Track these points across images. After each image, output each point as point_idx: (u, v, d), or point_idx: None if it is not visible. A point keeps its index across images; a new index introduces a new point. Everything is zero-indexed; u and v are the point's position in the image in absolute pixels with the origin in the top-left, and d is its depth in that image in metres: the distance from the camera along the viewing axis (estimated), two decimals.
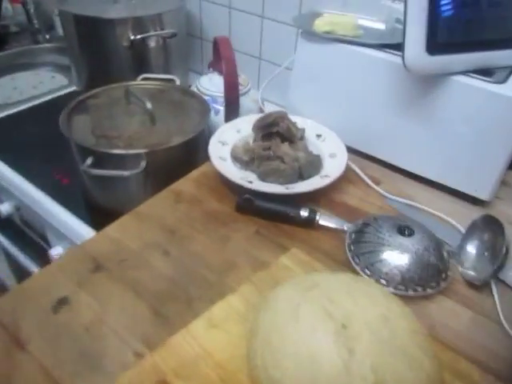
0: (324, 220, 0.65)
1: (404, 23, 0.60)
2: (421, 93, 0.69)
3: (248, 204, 0.67)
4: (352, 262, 0.59)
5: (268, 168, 0.69)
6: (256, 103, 0.98)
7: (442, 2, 0.59)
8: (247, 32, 1.12)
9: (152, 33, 1.01)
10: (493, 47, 0.65)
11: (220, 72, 0.97)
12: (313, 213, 0.65)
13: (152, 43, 1.04)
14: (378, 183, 0.76)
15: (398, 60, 0.69)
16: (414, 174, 0.77)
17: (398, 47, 0.70)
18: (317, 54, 0.78)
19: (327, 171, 0.72)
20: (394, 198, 0.73)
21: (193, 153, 0.81)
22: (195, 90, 0.97)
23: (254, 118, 0.83)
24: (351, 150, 0.78)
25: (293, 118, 0.81)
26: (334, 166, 0.73)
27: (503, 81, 0.65)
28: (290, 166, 0.69)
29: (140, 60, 1.05)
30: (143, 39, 1.00)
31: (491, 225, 0.60)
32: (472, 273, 0.60)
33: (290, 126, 0.75)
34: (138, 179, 0.72)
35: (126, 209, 0.67)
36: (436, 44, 0.61)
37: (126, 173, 0.70)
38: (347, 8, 0.81)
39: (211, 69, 1.03)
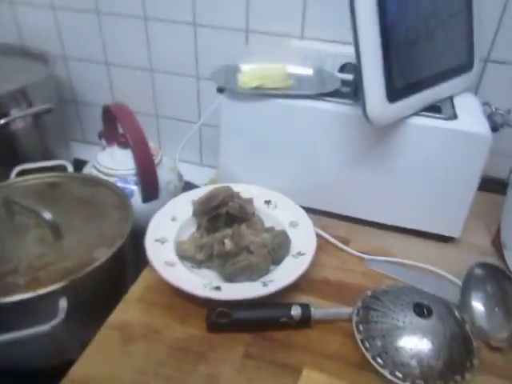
0: (319, 313, 0.54)
1: (358, 72, 0.53)
2: (375, 140, 0.62)
3: (223, 320, 0.52)
4: (362, 347, 0.49)
5: (237, 267, 0.55)
6: (174, 172, 0.83)
7: (393, 44, 0.52)
8: (134, 87, 0.96)
9: (18, 114, 0.78)
10: (438, 80, 0.61)
11: (120, 144, 0.80)
12: (306, 309, 0.53)
13: (19, 124, 0.81)
14: (347, 243, 0.67)
15: (344, 109, 0.62)
16: (379, 224, 0.70)
17: (336, 95, 0.64)
18: (247, 112, 0.67)
19: (297, 247, 0.61)
20: (371, 257, 0.65)
21: (125, 262, 0.62)
22: (93, 170, 0.78)
23: (187, 197, 0.68)
24: (305, 210, 0.68)
25: (228, 185, 0.68)
26: (301, 237, 0.62)
27: (454, 116, 0.61)
28: (260, 255, 0.56)
29: (7, 150, 0.81)
30: (7, 123, 0.78)
31: (492, 273, 0.56)
32: (489, 333, 0.54)
33: (241, 203, 0.62)
34: (60, 326, 0.52)
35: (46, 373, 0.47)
36: (394, 90, 0.55)
37: (42, 328, 0.49)
38: (260, 57, 0.72)
39: (104, 140, 0.85)
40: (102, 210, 0.65)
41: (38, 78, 0.83)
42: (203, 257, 0.58)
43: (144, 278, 0.60)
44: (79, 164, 0.86)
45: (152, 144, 0.82)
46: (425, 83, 0.59)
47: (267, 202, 0.69)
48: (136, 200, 0.76)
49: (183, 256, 0.59)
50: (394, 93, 0.55)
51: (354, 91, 0.61)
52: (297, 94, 0.64)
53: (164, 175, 0.80)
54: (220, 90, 0.69)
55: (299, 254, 0.60)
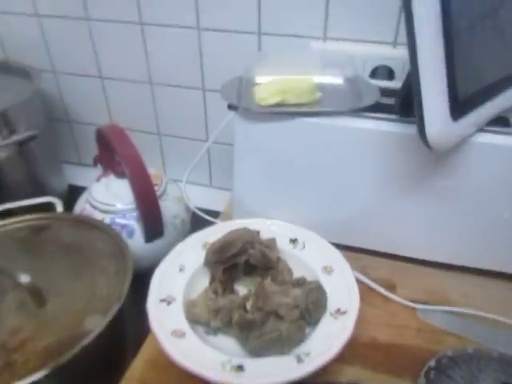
0: None
1: (414, 83, 0.40)
2: (428, 164, 0.50)
3: None
4: None
5: (264, 341, 0.43)
6: (180, 202, 0.71)
7: (458, 45, 0.40)
8: (133, 102, 0.85)
9: None
10: (506, 86, 0.48)
11: (117, 173, 0.68)
12: None
13: (1, 154, 0.70)
14: (393, 288, 0.55)
15: (388, 127, 0.50)
16: (430, 261, 0.58)
17: (376, 109, 0.51)
18: (266, 134, 0.55)
19: (336, 302, 0.49)
20: (425, 307, 0.52)
21: (124, 327, 0.51)
22: (87, 206, 0.67)
23: (196, 240, 0.56)
24: (338, 248, 0.56)
25: (245, 222, 0.57)
26: (338, 288, 0.50)
27: None
28: (293, 322, 0.44)
29: None
30: None
31: None
32: None
33: (263, 250, 0.50)
34: None
35: None
36: (459, 104, 0.42)
37: None
38: (277, 65, 0.60)
39: (99, 165, 0.73)
40: (96, 261, 0.54)
41: (21, 97, 0.71)
42: (219, 324, 0.46)
43: (147, 348, 0.48)
44: (74, 192, 0.75)
45: (154, 171, 0.71)
46: (491, 91, 0.47)
47: (293, 242, 0.57)
48: (138, 239, 0.65)
49: (194, 321, 0.48)
50: (459, 107, 0.42)
51: (399, 103, 0.49)
52: (327, 111, 0.52)
53: (169, 207, 0.69)
54: (232, 108, 0.57)
55: (339, 312, 0.48)
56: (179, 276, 0.52)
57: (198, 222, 0.67)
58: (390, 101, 0.53)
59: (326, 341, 0.45)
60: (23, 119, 0.73)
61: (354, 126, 0.51)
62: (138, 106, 0.84)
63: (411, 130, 0.48)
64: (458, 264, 0.56)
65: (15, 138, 0.67)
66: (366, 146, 0.52)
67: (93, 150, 0.71)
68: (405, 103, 0.48)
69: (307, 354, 0.44)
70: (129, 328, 0.53)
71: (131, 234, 0.65)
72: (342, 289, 0.50)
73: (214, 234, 0.56)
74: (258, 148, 0.57)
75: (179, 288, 0.51)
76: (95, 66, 0.82)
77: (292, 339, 0.43)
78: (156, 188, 0.68)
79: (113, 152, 0.69)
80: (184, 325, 0.47)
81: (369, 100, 0.52)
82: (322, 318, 0.47)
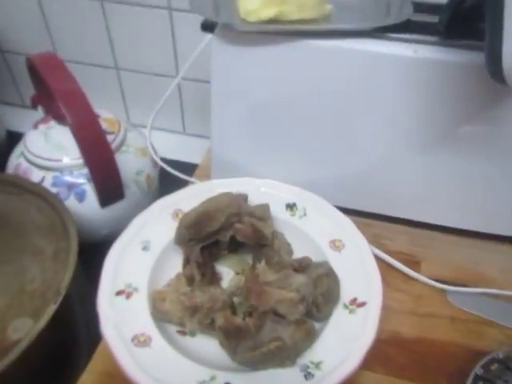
0: None
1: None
2: (481, 106, 0.37)
3: None
4: None
5: (261, 354, 0.31)
6: (145, 156, 0.57)
7: None
8: (81, 26, 0.67)
9: None
10: None
11: (58, 117, 0.53)
12: None
13: None
14: (416, 265, 0.44)
15: (432, 54, 0.36)
16: (462, 230, 0.46)
17: (408, 28, 0.37)
18: (254, 62, 0.40)
19: (350, 289, 0.37)
20: (457, 289, 0.42)
21: (70, 328, 0.39)
22: (22, 161, 0.52)
23: (164, 207, 0.43)
24: (344, 212, 0.44)
25: (227, 181, 0.44)
26: (352, 269, 0.38)
27: None
28: (297, 322, 0.32)
29: None
30: None
31: None
32: None
33: (255, 224, 0.37)
34: None
35: None
36: None
37: None
38: None
39: (40, 107, 0.57)
40: (27, 239, 0.40)
41: None
42: (197, 326, 0.34)
43: (101, 357, 0.36)
44: (14, 141, 0.59)
45: (109, 115, 0.55)
46: None
47: (291, 208, 0.44)
48: (91, 204, 0.51)
49: (164, 320, 0.35)
50: None
51: (447, 20, 0.35)
52: (341, 28, 0.37)
53: (130, 162, 0.54)
54: (207, 28, 0.42)
55: (355, 303, 0.36)
56: (142, 257, 0.39)
57: (168, 179, 0.54)
58: (427, 18, 0.38)
59: (341, 345, 0.33)
60: None
61: (378, 50, 0.36)
62: (88, 30, 0.66)
63: (463, 57, 0.34)
64: (495, 233, 0.45)
65: None
66: (392, 78, 0.38)
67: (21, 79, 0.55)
68: (454, 20, 0.34)
69: (318, 366, 0.32)
70: (79, 327, 0.40)
71: (82, 196, 0.51)
72: (358, 271, 0.38)
73: (187, 198, 0.43)
74: (242, 84, 0.42)
75: (143, 274, 0.38)
76: None
77: (297, 349, 0.32)
78: (111, 137, 0.53)
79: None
80: (149, 326, 0.35)
81: (399, 15, 0.37)
82: (333, 312, 0.36)
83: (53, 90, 0.46)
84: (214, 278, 0.39)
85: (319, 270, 0.36)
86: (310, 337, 0.32)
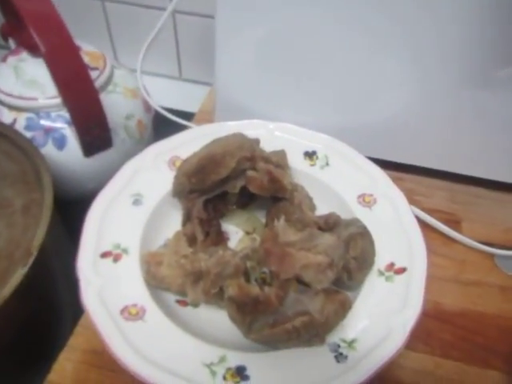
0: None
1: None
2: None
3: None
4: None
5: (283, 331, 0.24)
6: (136, 98, 0.49)
7: None
8: None
9: None
10: None
11: (32, 48, 0.44)
12: None
13: None
14: (457, 224, 0.37)
15: None
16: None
17: None
18: None
19: (387, 253, 0.30)
20: (507, 253, 0.35)
21: (46, 307, 0.32)
22: None
23: (160, 152, 0.36)
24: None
25: (234, 124, 0.36)
26: (387, 230, 0.32)
27: None
28: (326, 292, 0.26)
29: None
30: None
31: None
32: None
33: (272, 171, 0.30)
34: None
35: None
36: None
37: None
38: None
39: (11, 41, 0.49)
40: None
41: None
42: (202, 297, 0.27)
43: (82, 334, 0.30)
44: None
45: (92, 49, 0.47)
46: None
47: (310, 156, 0.37)
48: (72, 152, 0.43)
49: (162, 288, 0.29)
50: None
51: None
52: None
53: (119, 104, 0.46)
54: None
55: (393, 269, 0.30)
56: (133, 212, 0.32)
57: (164, 127, 0.46)
58: None
59: (378, 319, 0.27)
60: None
61: None
62: None
63: None
64: None
65: None
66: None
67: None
68: None
69: (351, 345, 0.26)
70: (61, 297, 0.34)
71: (61, 143, 0.43)
72: (393, 231, 0.32)
73: (187, 144, 0.35)
74: (251, 9, 0.34)
75: (134, 232, 0.31)
76: None
77: (328, 325, 0.25)
78: (95, 73, 0.45)
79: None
80: (142, 295, 0.28)
81: None
82: (365, 279, 0.30)
83: (21, 10, 0.37)
84: (219, 239, 0.32)
85: (351, 229, 0.29)
86: (345, 310, 0.26)
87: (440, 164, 0.40)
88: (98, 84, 0.44)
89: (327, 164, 0.37)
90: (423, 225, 0.37)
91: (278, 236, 0.27)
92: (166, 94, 0.60)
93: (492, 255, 0.35)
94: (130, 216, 0.32)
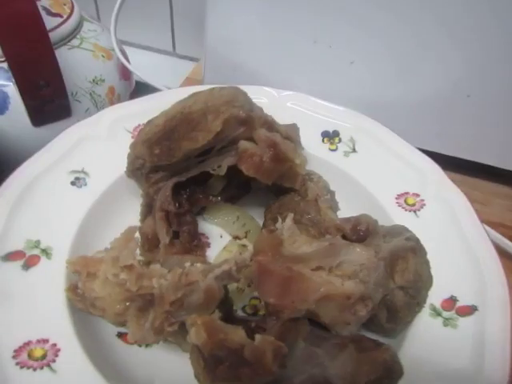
0: None
1: None
2: None
3: None
4: None
5: None
6: (109, 59, 0.38)
7: None
8: None
9: None
10: None
11: None
12: None
13: None
14: None
15: None
16: None
17: None
18: None
19: (448, 280, 0.20)
20: None
21: None
22: None
23: (119, 118, 0.25)
24: None
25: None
26: (443, 247, 0.21)
27: None
28: (354, 341, 0.15)
29: None
30: None
31: None
32: None
33: (279, 142, 0.19)
34: None
35: None
36: None
37: None
38: None
39: None
40: None
41: None
42: (150, 334, 0.16)
43: None
44: None
45: None
46: None
47: (330, 138, 0.27)
48: (16, 117, 0.33)
49: (91, 313, 0.18)
50: None
51: None
52: None
53: (84, 63, 0.36)
54: None
55: (454, 307, 0.19)
56: (70, 196, 0.22)
57: None
58: None
59: None
60: None
61: None
62: None
63: None
64: None
65: None
66: None
67: None
68: None
69: None
70: None
71: (2, 105, 0.33)
72: (451, 250, 0.21)
73: (158, 110, 0.25)
74: None
75: (65, 226, 0.21)
76: None
77: None
78: (56, 20, 0.34)
79: None
80: (61, 323, 0.18)
81: None
82: (414, 320, 0.19)
83: None
84: (194, 244, 0.21)
85: (395, 242, 0.19)
86: (390, 379, 0.15)
87: (500, 162, 0.30)
88: (56, 33, 0.34)
89: (353, 149, 0.26)
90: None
91: (281, 244, 0.16)
92: (159, 70, 0.50)
93: None
94: (65, 201, 0.22)
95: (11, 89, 0.33)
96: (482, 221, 0.28)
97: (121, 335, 0.19)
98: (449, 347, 0.18)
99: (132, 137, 0.25)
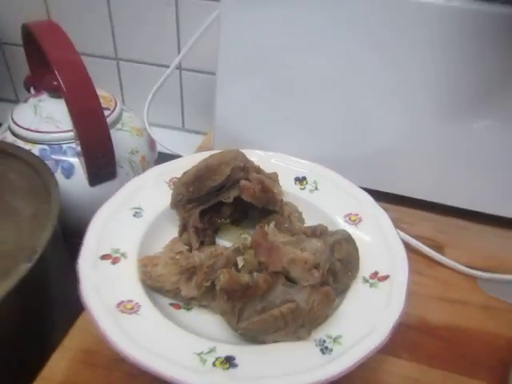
0: None
1: None
2: None
3: None
4: None
5: (271, 317, 0.26)
6: (141, 135, 0.53)
7: None
8: (81, 13, 0.65)
9: None
10: None
11: (50, 89, 0.49)
12: None
13: None
14: (440, 249, 0.39)
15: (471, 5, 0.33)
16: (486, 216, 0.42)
17: None
18: (264, 22, 0.37)
19: (371, 263, 0.32)
20: (489, 276, 0.37)
21: (43, 308, 0.33)
22: (8, 135, 0.47)
23: (160, 173, 0.39)
24: None
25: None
26: (372, 244, 0.34)
27: None
28: (312, 286, 0.27)
29: None
30: None
31: None
32: None
33: (264, 181, 0.33)
34: None
35: None
36: None
37: None
38: None
39: (33, 90, 0.54)
40: (4, 201, 0.35)
41: None
42: (194, 291, 0.29)
43: (78, 335, 0.31)
44: None
45: (104, 92, 0.52)
46: None
47: (300, 181, 0.40)
48: (79, 181, 0.46)
49: (155, 288, 0.30)
50: None
51: None
52: None
53: (125, 140, 0.50)
54: None
55: (377, 277, 0.31)
56: (133, 223, 0.34)
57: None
58: None
59: (363, 319, 0.28)
60: None
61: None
62: (91, 20, 0.64)
63: (492, 7, 0.31)
64: None
65: None
66: (424, 29, 0.35)
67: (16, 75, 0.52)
68: None
69: (336, 340, 0.27)
70: (55, 302, 0.35)
71: (69, 172, 0.46)
72: (377, 245, 0.34)
73: (184, 167, 0.38)
74: (250, 45, 0.39)
75: (133, 240, 0.33)
76: None
77: (315, 315, 0.27)
78: (107, 112, 0.49)
79: (47, 63, 0.51)
80: (138, 293, 0.29)
81: None
82: (350, 285, 0.31)
83: (49, 56, 0.42)
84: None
85: (337, 236, 0.31)
86: (329, 302, 0.27)
87: (424, 194, 0.43)
88: (108, 121, 0.48)
89: (316, 188, 0.39)
90: (408, 248, 0.38)
91: (267, 235, 0.29)
92: (171, 142, 0.65)
93: (474, 278, 0.37)
94: (130, 226, 0.34)
95: (76, 161, 0.47)
96: (410, 235, 0.40)
97: (172, 304, 0.31)
98: (372, 298, 0.30)
99: (168, 185, 0.38)
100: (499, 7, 0.32)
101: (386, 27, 0.35)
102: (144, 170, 0.52)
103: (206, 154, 0.39)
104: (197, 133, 0.71)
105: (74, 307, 0.31)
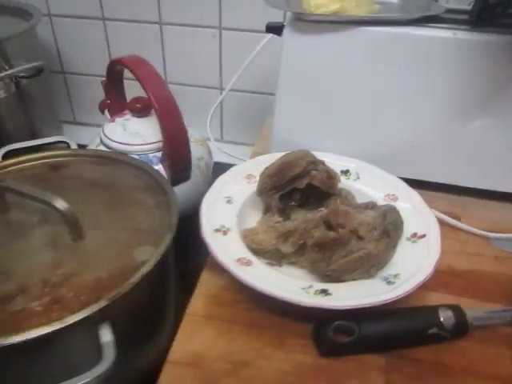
0: (476, 318, 0.37)
1: None
2: None
3: (344, 338, 0.35)
4: None
5: (352, 260, 0.37)
6: (203, 146, 0.64)
7: None
8: (139, 46, 0.77)
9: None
10: None
11: (134, 110, 0.60)
12: (459, 313, 0.36)
13: None
14: (458, 219, 0.51)
15: (471, 36, 0.45)
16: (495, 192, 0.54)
17: (442, 20, 0.47)
18: (319, 49, 0.49)
19: (410, 227, 0.44)
20: (498, 235, 0.49)
21: (170, 265, 0.44)
22: (102, 148, 0.59)
23: (236, 172, 0.51)
24: None
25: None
26: (409, 213, 0.45)
27: None
28: (379, 242, 0.39)
29: None
30: None
31: None
32: None
33: (329, 170, 0.44)
34: (108, 373, 0.33)
35: None
36: None
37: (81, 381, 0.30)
38: None
39: (107, 111, 0.65)
40: (130, 196, 0.46)
41: (16, 29, 0.62)
42: (291, 248, 0.40)
43: (206, 284, 0.42)
44: None
45: None
46: None
47: (345, 173, 0.51)
48: None
49: (258, 250, 0.41)
50: None
51: (477, 11, 0.44)
52: (391, 17, 0.47)
53: (194, 150, 0.61)
54: (271, 29, 0.51)
55: (416, 236, 0.43)
56: (228, 207, 0.46)
57: (218, 169, 0.61)
58: (454, 15, 0.48)
59: (412, 263, 0.40)
60: (20, 55, 0.64)
61: (423, 33, 0.46)
62: (146, 50, 0.76)
63: (495, 37, 0.44)
64: None
65: (20, 68, 0.58)
66: (437, 58, 0.47)
67: (90, 105, 0.64)
68: (483, 10, 0.44)
69: (396, 276, 0.39)
70: (172, 268, 0.46)
71: None
72: (413, 214, 0.45)
73: (256, 167, 0.49)
74: (307, 67, 0.51)
75: (231, 219, 0.45)
76: (98, 6, 0.74)
77: (381, 257, 0.38)
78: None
79: (123, 90, 0.63)
80: (247, 253, 0.41)
81: (436, 10, 0.47)
82: (398, 243, 0.43)
83: (145, 85, 0.53)
84: None
85: (385, 207, 0.43)
86: (389, 248, 0.39)
87: (440, 178, 0.54)
88: None
89: (358, 178, 0.51)
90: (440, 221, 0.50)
91: (339, 206, 0.40)
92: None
93: (486, 238, 0.48)
94: (227, 210, 0.46)
95: (160, 167, 0.58)
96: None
97: (269, 263, 0.42)
98: (417, 250, 0.41)
99: (246, 180, 0.50)
100: (495, 36, 0.44)
101: (407, 56, 0.47)
102: (207, 172, 0.63)
103: (270, 158, 0.51)
104: (234, 143, 0.82)
105: (189, 272, 0.43)
